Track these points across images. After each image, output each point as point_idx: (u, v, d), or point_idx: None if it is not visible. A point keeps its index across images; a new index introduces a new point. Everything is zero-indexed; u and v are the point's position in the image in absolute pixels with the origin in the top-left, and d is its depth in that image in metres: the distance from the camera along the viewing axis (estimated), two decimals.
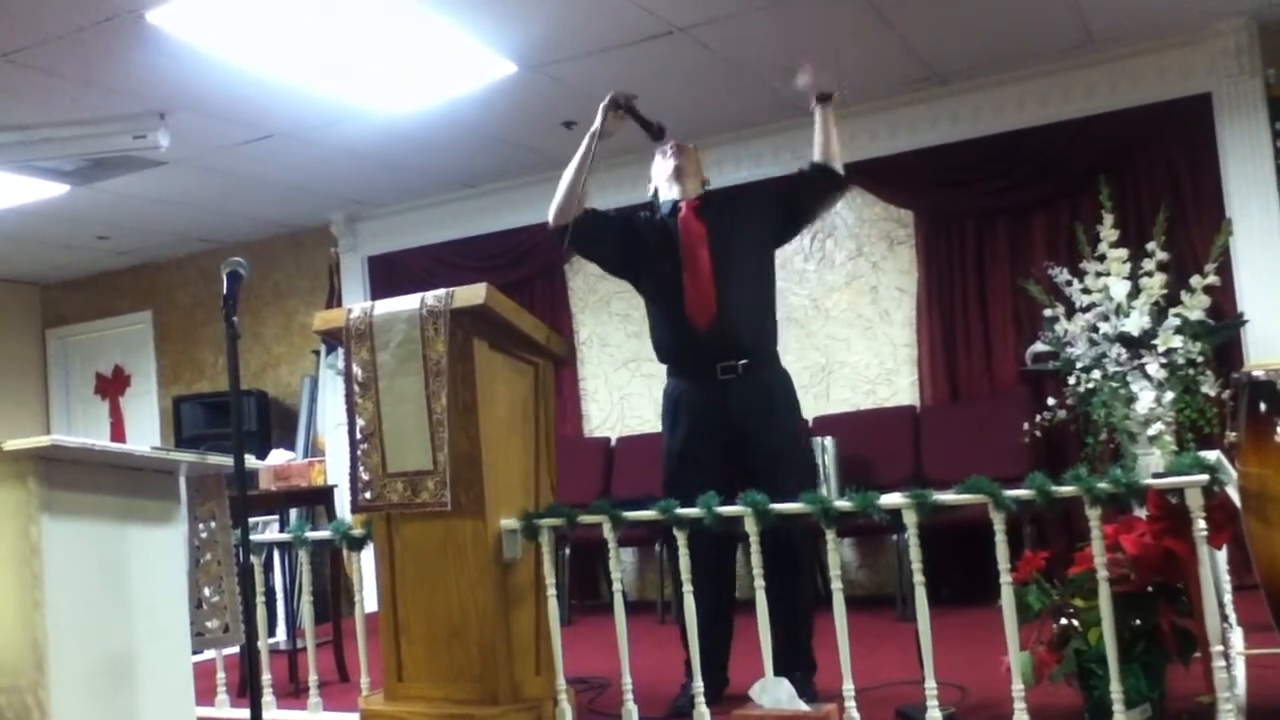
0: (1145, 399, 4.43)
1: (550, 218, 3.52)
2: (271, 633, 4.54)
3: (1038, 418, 4.80)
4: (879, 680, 3.44)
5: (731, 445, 3.44)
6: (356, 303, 4.39)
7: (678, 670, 3.47)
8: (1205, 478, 2.62)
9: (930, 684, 2.85)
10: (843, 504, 2.94)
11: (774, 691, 2.94)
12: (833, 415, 5.69)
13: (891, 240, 5.75)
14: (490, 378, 3.26)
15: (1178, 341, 4.47)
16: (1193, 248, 4.95)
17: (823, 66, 3.53)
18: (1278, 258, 4.84)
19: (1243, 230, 4.86)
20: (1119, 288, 4.60)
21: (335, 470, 5.80)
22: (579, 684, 3.62)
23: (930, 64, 5.13)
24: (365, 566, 3.86)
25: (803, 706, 2.91)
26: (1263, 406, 2.63)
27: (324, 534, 3.83)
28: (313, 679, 3.82)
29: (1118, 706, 2.64)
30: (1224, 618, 2.90)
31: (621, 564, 3.36)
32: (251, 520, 4.16)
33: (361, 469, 3.32)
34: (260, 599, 3.85)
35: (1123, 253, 4.66)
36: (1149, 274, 4.60)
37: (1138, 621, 2.75)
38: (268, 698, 3.84)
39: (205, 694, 3.68)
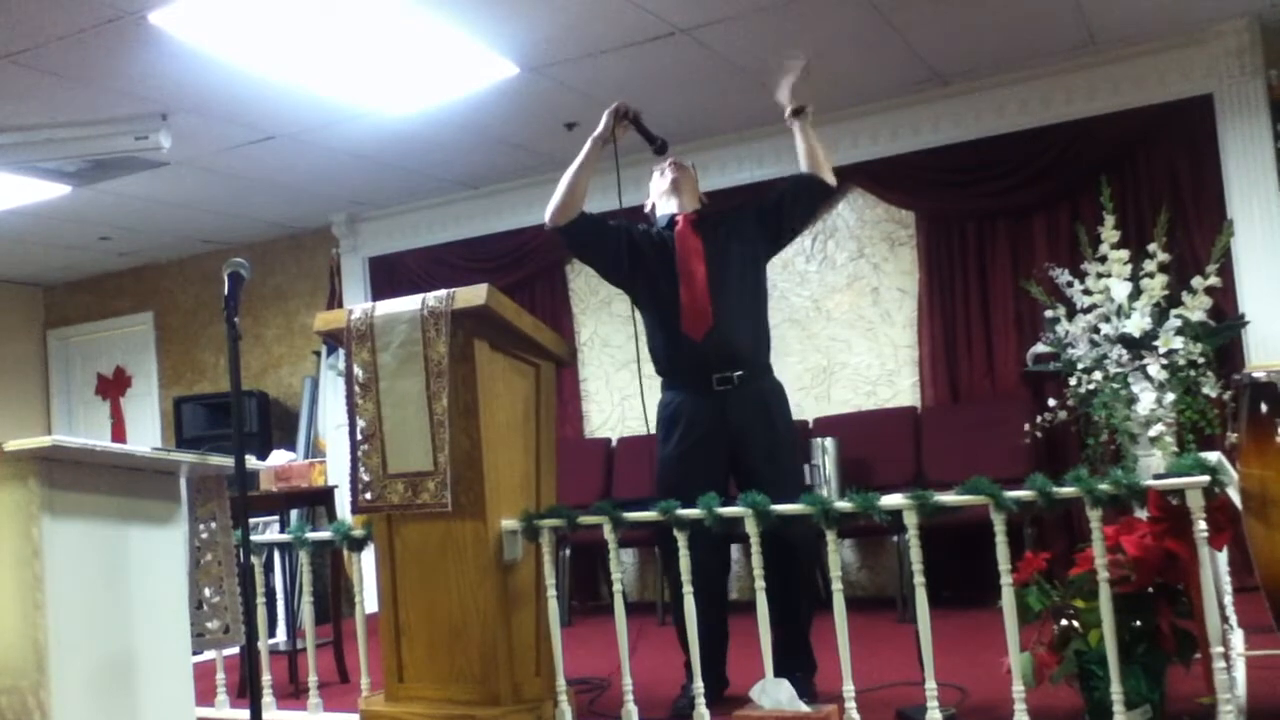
0: (1146, 400, 4.43)
1: (547, 217, 3.54)
2: (272, 633, 4.54)
3: (1039, 419, 4.80)
4: (879, 681, 3.45)
5: (728, 455, 3.46)
6: (357, 304, 4.39)
7: (678, 671, 3.47)
8: (1206, 479, 2.62)
9: (931, 685, 2.85)
10: (844, 505, 2.94)
11: (774, 692, 2.94)
12: (834, 416, 5.69)
13: (893, 241, 5.75)
14: (491, 379, 3.26)
15: (1179, 342, 4.47)
16: (1194, 249, 4.95)
17: (802, 78, 3.52)
18: (1279, 259, 4.83)
19: (1244, 231, 4.86)
20: (1120, 289, 4.60)
21: (336, 471, 5.81)
22: (579, 685, 3.62)
23: (932, 65, 5.13)
24: (366, 567, 3.86)
25: (803, 707, 2.91)
26: (1264, 408, 2.63)
27: (324, 535, 3.83)
28: (313, 680, 3.82)
29: (1118, 708, 2.64)
30: (1224, 619, 2.90)
31: (622, 565, 3.36)
32: (252, 521, 4.16)
33: (362, 470, 3.32)
34: (261, 600, 3.86)
35: (1124, 254, 4.66)
36: (1150, 275, 4.60)
37: (1138, 623, 2.75)
38: (268, 698, 3.84)
39: (205, 694, 3.68)
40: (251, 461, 2.93)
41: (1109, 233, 4.71)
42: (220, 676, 3.96)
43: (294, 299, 7.42)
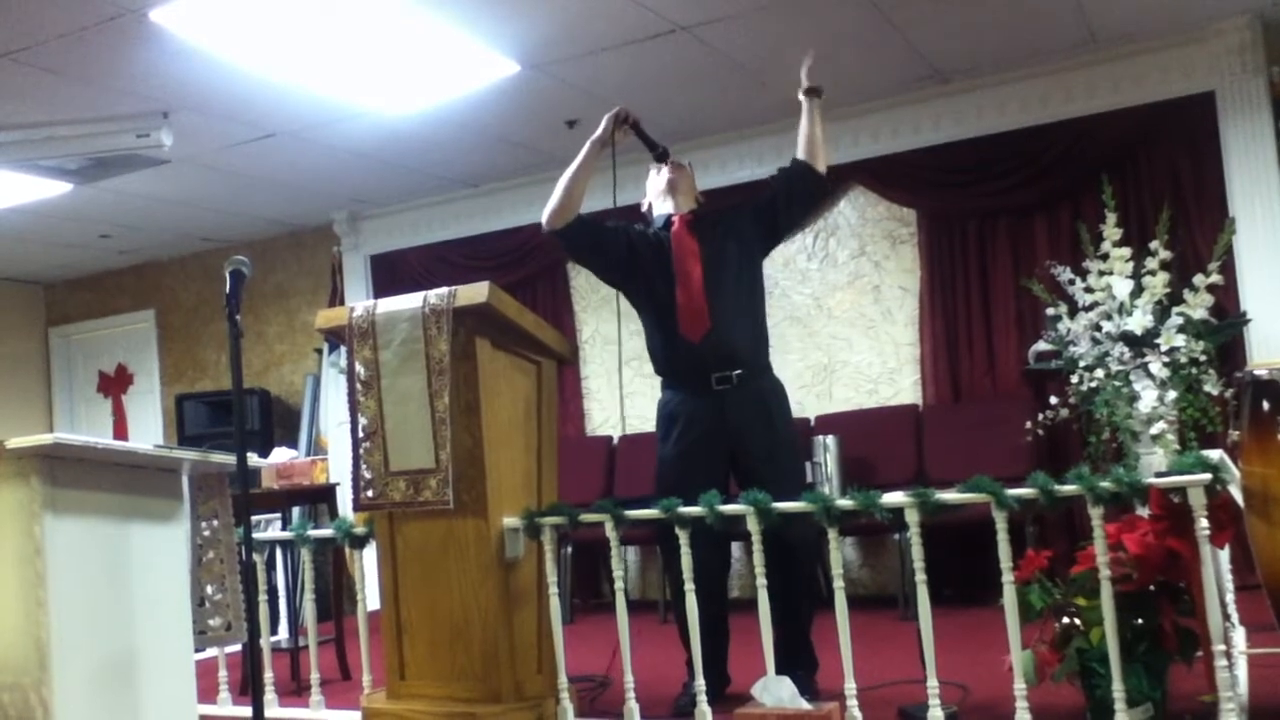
0: (1148, 398, 4.43)
1: (544, 220, 3.51)
2: (274, 631, 4.54)
3: (1040, 417, 4.79)
4: (881, 679, 3.44)
5: (728, 454, 3.46)
6: (359, 301, 4.39)
7: (679, 669, 3.48)
8: (1208, 477, 2.62)
9: (932, 683, 2.85)
10: (845, 503, 2.94)
11: (776, 690, 2.94)
12: (835, 414, 5.69)
13: (894, 239, 5.74)
14: (493, 376, 3.26)
15: (1180, 340, 4.46)
16: (1195, 247, 4.95)
17: (821, 63, 3.53)
18: None
19: (1245, 229, 4.86)
20: (1122, 287, 4.60)
21: (338, 469, 5.81)
22: (581, 682, 3.62)
23: (933, 63, 5.13)
24: (367, 565, 3.87)
25: (805, 705, 2.91)
26: (1265, 405, 2.63)
27: (326, 532, 3.83)
28: (315, 677, 3.83)
29: (1120, 705, 2.64)
30: (1226, 617, 2.90)
31: (623, 563, 3.36)
32: (254, 518, 4.15)
33: (364, 467, 3.32)
34: (263, 597, 3.86)
35: (1125, 251, 4.66)
36: (1152, 273, 4.60)
37: (1140, 621, 2.75)
38: (270, 696, 3.85)
39: (207, 692, 3.69)
40: (253, 459, 2.92)
41: (1110, 230, 4.71)
42: (222, 674, 3.97)
43: (295, 297, 7.42)
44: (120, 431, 8.17)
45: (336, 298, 6.98)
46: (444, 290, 3.24)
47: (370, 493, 3.32)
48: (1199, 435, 4.39)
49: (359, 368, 3.32)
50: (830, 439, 5.20)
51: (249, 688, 2.80)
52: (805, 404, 5.72)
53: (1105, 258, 4.70)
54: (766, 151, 5.78)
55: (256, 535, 3.95)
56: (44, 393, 8.39)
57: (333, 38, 4.22)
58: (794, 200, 3.57)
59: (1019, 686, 2.77)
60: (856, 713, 2.93)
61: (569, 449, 4.78)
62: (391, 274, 6.92)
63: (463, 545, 3.23)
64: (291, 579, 5.08)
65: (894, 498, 2.91)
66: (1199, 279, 4.58)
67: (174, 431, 7.44)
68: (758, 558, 3.04)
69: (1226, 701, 2.60)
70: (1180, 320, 4.50)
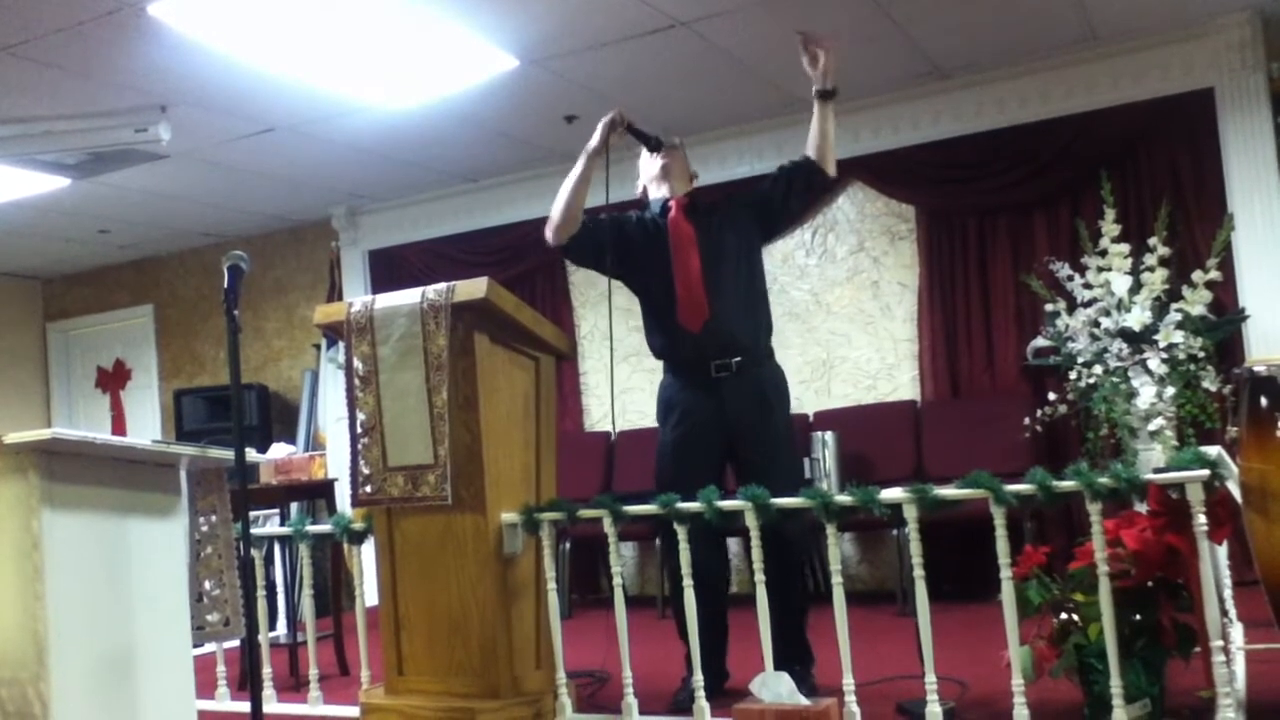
0: (1146, 394, 4.43)
1: (549, 236, 3.51)
2: (272, 626, 4.54)
3: (1039, 413, 4.79)
4: (879, 675, 3.45)
5: (726, 443, 3.46)
6: (357, 297, 4.39)
7: (678, 665, 3.48)
8: (1206, 473, 2.62)
9: (930, 679, 2.85)
10: (843, 499, 2.95)
11: (774, 686, 2.94)
12: (833, 410, 5.69)
13: (893, 235, 5.74)
14: (491, 372, 3.26)
15: (1179, 337, 4.46)
16: (1194, 243, 4.95)
17: (839, 61, 3.48)
18: (1279, 253, 4.83)
19: (1244, 226, 4.86)
20: (1120, 283, 4.60)
21: (336, 464, 5.81)
22: (579, 678, 3.62)
23: (932, 58, 5.13)
24: (366, 560, 3.86)
25: (803, 700, 2.91)
26: (1264, 402, 2.62)
27: (325, 528, 3.83)
28: (313, 673, 3.83)
29: (1117, 701, 2.64)
30: (1224, 613, 2.91)
31: (622, 559, 3.36)
32: (252, 514, 4.16)
33: (362, 463, 3.32)
34: (261, 593, 3.86)
35: (1124, 248, 4.66)
36: (1150, 269, 4.60)
37: (1138, 617, 2.75)
38: (268, 691, 3.85)
39: (206, 687, 3.69)
40: (251, 454, 2.92)
41: (1109, 227, 4.70)
42: (221, 669, 3.96)
43: (294, 292, 7.41)
44: (118, 427, 8.16)
45: (335, 293, 6.97)
46: (442, 286, 3.23)
47: (369, 488, 3.32)
48: (1197, 431, 4.39)
49: (357, 363, 3.32)
50: (829, 435, 5.20)
51: (247, 683, 2.80)
52: (804, 400, 5.72)
53: (1104, 254, 4.69)
54: (766, 146, 5.77)
55: (255, 531, 3.95)
56: (42, 388, 8.38)
57: (332, 32, 4.22)
58: (794, 194, 3.54)
59: (1017, 682, 2.77)
60: (855, 708, 2.93)
61: (567, 444, 4.77)
62: (390, 269, 6.91)
63: (461, 541, 3.23)
64: (290, 574, 5.07)
65: (892, 494, 2.91)
66: (1198, 275, 4.58)
67: (172, 427, 7.43)
68: (756, 554, 3.04)
69: (1224, 697, 2.60)
70: (1179, 317, 4.50)
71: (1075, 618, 2.82)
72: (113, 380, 8.28)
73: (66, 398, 8.39)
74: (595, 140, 3.46)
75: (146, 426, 7.93)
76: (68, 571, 2.49)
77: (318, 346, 6.94)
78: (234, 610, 2.91)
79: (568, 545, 5.54)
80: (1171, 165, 5.11)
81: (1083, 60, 5.17)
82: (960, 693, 3.22)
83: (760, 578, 3.04)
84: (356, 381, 3.32)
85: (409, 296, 3.27)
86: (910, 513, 2.88)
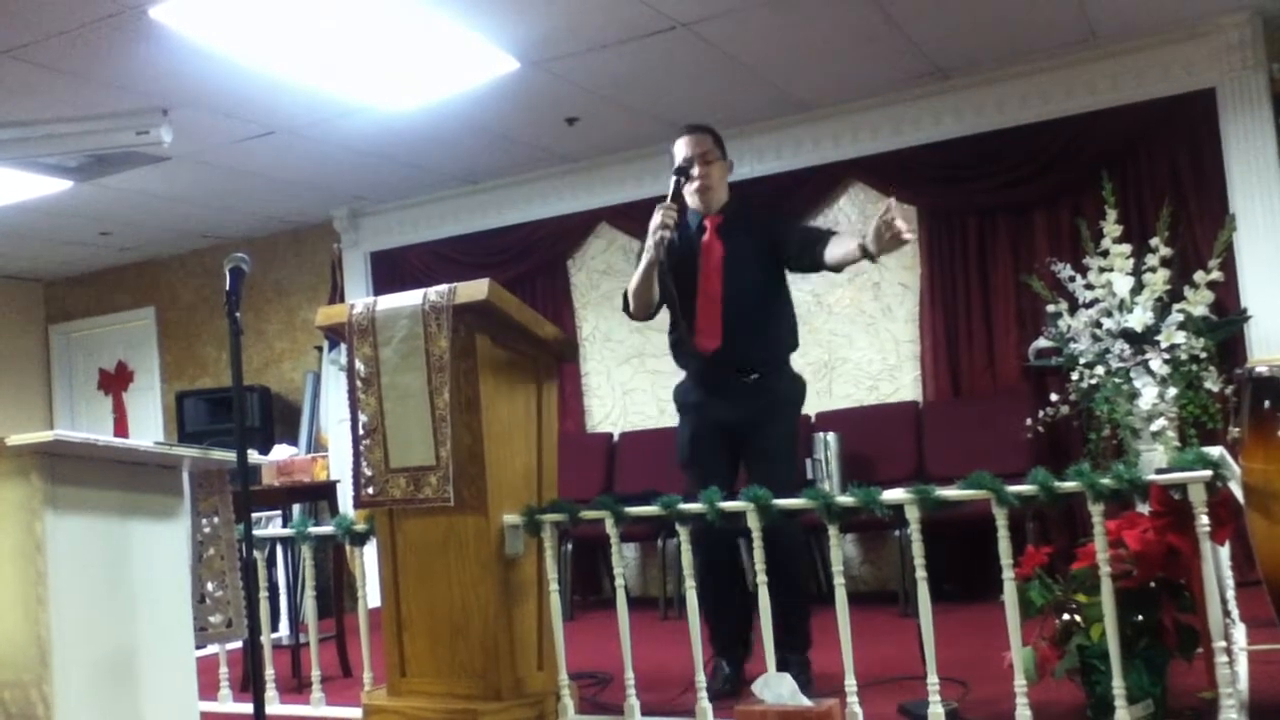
0: (1148, 395, 4.43)
1: (632, 315, 3.65)
2: (274, 628, 4.55)
3: (1040, 414, 4.79)
4: (881, 675, 3.45)
5: (735, 442, 3.57)
6: (359, 298, 4.39)
7: (680, 665, 3.48)
8: (1208, 473, 2.62)
9: (932, 679, 2.85)
10: (845, 499, 2.95)
11: (776, 687, 2.94)
12: (835, 411, 5.69)
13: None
14: (493, 373, 3.26)
15: (1181, 337, 4.46)
16: (1196, 243, 4.94)
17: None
18: None
19: (1246, 226, 4.85)
20: (1122, 283, 4.60)
21: (338, 466, 5.81)
22: (581, 679, 3.62)
23: (933, 59, 5.13)
24: (368, 562, 3.87)
25: (805, 701, 2.92)
26: (1266, 402, 2.62)
27: (327, 529, 3.83)
28: (315, 674, 3.83)
29: (1120, 702, 2.64)
30: (1226, 613, 2.90)
31: (624, 560, 3.37)
32: (254, 515, 4.16)
33: (364, 464, 3.32)
34: (263, 594, 3.86)
35: (1126, 248, 4.66)
36: (1152, 270, 4.59)
37: (1140, 617, 2.75)
38: (270, 693, 3.85)
39: (208, 689, 3.69)
40: (254, 456, 2.93)
41: (1111, 227, 4.70)
42: (223, 671, 3.97)
43: (295, 294, 7.42)
44: (121, 429, 8.17)
45: (336, 295, 6.97)
46: (444, 287, 3.24)
47: (371, 490, 3.32)
48: (1199, 432, 4.39)
49: (359, 365, 3.32)
50: (830, 436, 5.20)
51: (250, 685, 2.80)
52: (806, 401, 5.71)
53: (1105, 254, 4.69)
54: (766, 148, 5.78)
55: (257, 532, 3.95)
56: (44, 390, 8.39)
57: (333, 34, 4.22)
58: (801, 263, 3.61)
59: (1019, 683, 2.77)
60: (857, 709, 2.93)
61: (569, 446, 4.77)
62: (391, 271, 6.91)
63: (463, 542, 3.23)
64: (292, 576, 5.08)
65: (894, 494, 2.91)
66: (1199, 276, 4.58)
67: (174, 428, 7.44)
68: (758, 554, 3.05)
69: (1227, 698, 2.60)
70: (1180, 317, 4.50)
71: (1077, 618, 2.81)
72: (115, 382, 8.29)
73: (68, 400, 8.39)
74: (650, 253, 3.46)
75: (148, 428, 7.94)
76: (70, 573, 2.49)
77: (319, 348, 6.95)
78: (236, 612, 2.92)
79: (569, 546, 5.54)
80: (1173, 165, 5.10)
81: (1083, 60, 5.17)
82: (962, 694, 3.22)
83: (762, 578, 3.05)
84: (358, 383, 3.33)
85: (411, 298, 3.27)
86: (912, 513, 2.88)
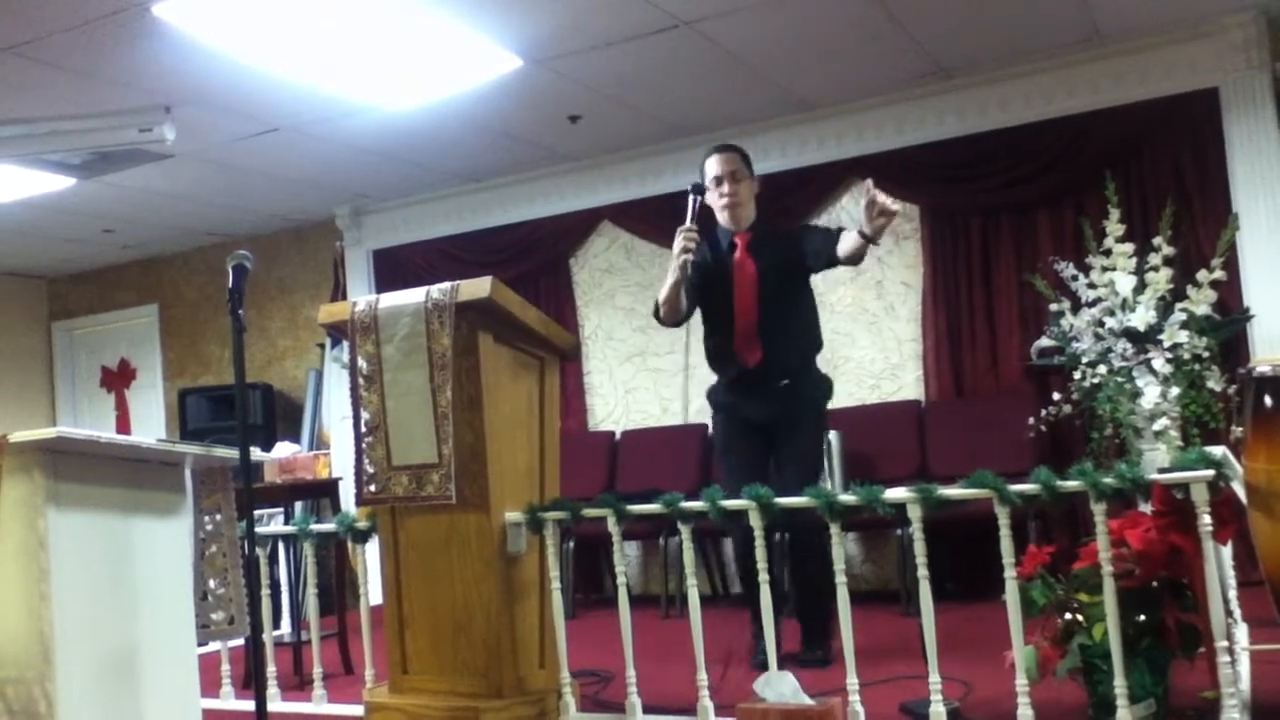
0: (1151, 394, 4.42)
1: (662, 322, 3.89)
2: (276, 625, 4.55)
3: (1043, 413, 4.79)
4: (883, 675, 3.45)
5: (768, 438, 3.86)
6: (361, 296, 4.40)
7: (682, 663, 3.48)
8: (1211, 473, 2.61)
9: (934, 678, 2.85)
10: (847, 498, 2.95)
11: (778, 685, 2.94)
12: (837, 410, 5.64)
13: (897, 235, 5.73)
14: (495, 371, 3.26)
15: (1184, 336, 4.46)
16: (1199, 243, 4.94)
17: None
18: None
19: (1249, 225, 4.85)
20: (1125, 283, 4.59)
21: (340, 463, 5.81)
22: (583, 677, 3.62)
23: (936, 59, 5.12)
24: (370, 559, 3.87)
25: (807, 700, 2.92)
26: (1269, 401, 2.62)
27: (329, 527, 3.84)
28: (317, 671, 3.83)
29: (1122, 702, 2.64)
30: (1229, 613, 2.90)
31: (625, 558, 3.37)
32: (257, 513, 4.17)
33: (366, 462, 3.32)
34: (265, 591, 3.86)
35: (1129, 248, 4.65)
36: (1155, 269, 4.59)
37: (1142, 617, 2.74)
38: (272, 690, 3.86)
39: (210, 686, 3.69)
40: (256, 454, 2.93)
41: (1113, 226, 4.70)
42: (225, 668, 3.97)
43: (298, 291, 7.42)
44: (123, 426, 8.18)
45: (339, 292, 6.98)
46: (446, 285, 3.24)
47: (373, 487, 3.32)
48: (1202, 431, 4.39)
49: (361, 362, 3.32)
50: (833, 434, 5.19)
51: (251, 682, 2.80)
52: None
53: (1108, 254, 4.69)
54: (770, 147, 5.77)
55: (259, 530, 3.95)
56: (47, 387, 8.39)
57: (336, 32, 4.22)
58: (819, 265, 3.84)
59: (1021, 682, 2.77)
60: (859, 708, 2.93)
61: (571, 444, 4.77)
62: (394, 269, 6.92)
63: (465, 540, 3.23)
64: (294, 573, 5.09)
65: (896, 493, 2.91)
66: (1202, 275, 4.57)
67: (177, 426, 7.45)
68: (759, 553, 3.05)
69: (1229, 698, 2.60)
70: (1183, 316, 4.50)
71: (1079, 618, 2.81)
72: (117, 379, 8.29)
73: (71, 397, 8.40)
74: (675, 274, 3.69)
75: (151, 426, 7.94)
76: (73, 570, 2.49)
77: (322, 346, 6.95)
78: (238, 609, 2.92)
79: (571, 545, 5.54)
80: (1176, 165, 5.10)
81: (1087, 60, 5.16)
82: (964, 693, 3.22)
83: (764, 577, 3.05)
84: (361, 381, 3.33)
85: (413, 296, 3.27)
86: (914, 512, 2.88)
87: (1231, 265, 4.78)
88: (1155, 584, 2.78)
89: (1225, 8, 4.77)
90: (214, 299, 7.69)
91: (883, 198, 3.28)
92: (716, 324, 3.90)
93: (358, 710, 3.50)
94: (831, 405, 5.65)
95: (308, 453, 5.26)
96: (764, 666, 3.20)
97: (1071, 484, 2.73)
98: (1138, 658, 2.72)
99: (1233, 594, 3.23)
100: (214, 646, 3.93)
